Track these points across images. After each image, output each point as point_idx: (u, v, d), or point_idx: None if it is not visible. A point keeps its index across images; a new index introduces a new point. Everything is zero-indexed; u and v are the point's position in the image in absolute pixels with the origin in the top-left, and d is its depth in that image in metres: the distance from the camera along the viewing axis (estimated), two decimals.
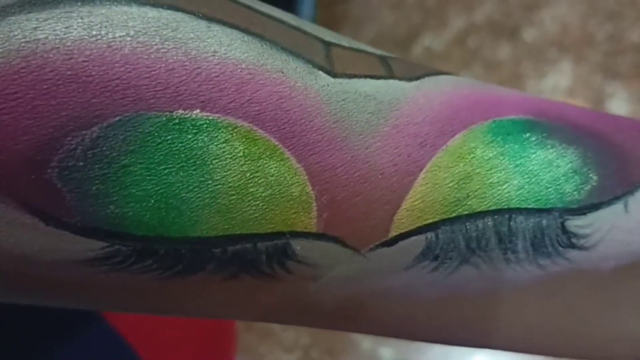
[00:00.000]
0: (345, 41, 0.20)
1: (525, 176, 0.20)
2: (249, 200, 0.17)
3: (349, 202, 0.18)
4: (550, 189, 0.21)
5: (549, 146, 0.21)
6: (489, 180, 0.20)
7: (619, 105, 1.00)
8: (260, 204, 0.17)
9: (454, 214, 0.20)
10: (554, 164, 0.21)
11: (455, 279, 0.21)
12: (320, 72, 0.18)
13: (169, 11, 0.17)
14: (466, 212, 0.20)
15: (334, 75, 0.19)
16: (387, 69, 0.20)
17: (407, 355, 0.95)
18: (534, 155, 0.21)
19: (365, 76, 0.19)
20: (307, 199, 0.18)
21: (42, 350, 0.34)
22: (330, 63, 0.19)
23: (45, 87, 0.15)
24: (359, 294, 0.21)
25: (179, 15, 0.17)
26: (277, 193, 0.17)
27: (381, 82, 0.19)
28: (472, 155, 0.20)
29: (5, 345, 0.32)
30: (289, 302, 0.20)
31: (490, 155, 0.20)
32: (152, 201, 0.16)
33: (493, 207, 0.20)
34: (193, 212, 0.17)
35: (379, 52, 0.21)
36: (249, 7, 0.19)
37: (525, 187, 0.20)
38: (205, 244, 0.17)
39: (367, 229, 0.19)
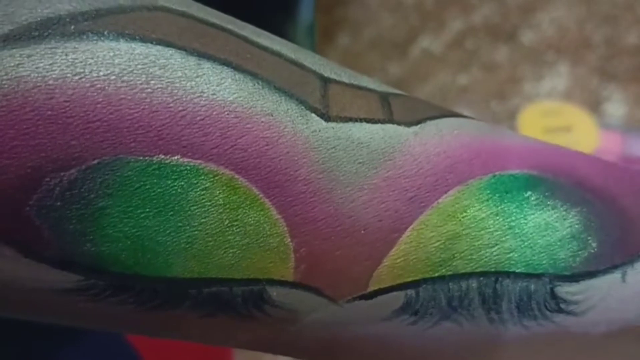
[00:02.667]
0: (345, 76, 0.19)
1: (519, 239, 0.19)
2: (226, 248, 0.17)
3: (329, 255, 0.18)
4: (542, 254, 0.20)
5: (549, 207, 0.20)
6: (478, 242, 0.19)
7: (615, 108, 1.01)
8: (237, 252, 0.17)
9: (437, 274, 0.19)
10: (552, 227, 0.20)
11: (435, 331, 0.20)
12: (313, 115, 0.18)
13: (158, 47, 0.16)
14: (450, 273, 0.19)
15: (327, 118, 0.18)
16: (386, 110, 0.19)
17: None
18: (531, 216, 0.20)
19: (361, 119, 0.18)
20: (285, 250, 0.18)
21: (43, 351, 0.34)
22: (325, 103, 0.18)
23: (25, 127, 0.15)
24: (337, 339, 0.20)
25: (168, 52, 0.16)
26: (254, 242, 0.17)
27: (377, 127, 0.19)
28: (464, 215, 0.19)
29: (6, 346, 0.32)
30: (268, 340, 0.20)
31: (484, 215, 0.19)
32: (129, 242, 0.16)
33: (479, 270, 0.19)
34: (169, 255, 0.16)
35: (381, 88, 0.20)
36: (245, 38, 0.18)
37: (517, 250, 0.19)
38: (181, 284, 0.17)
39: (345, 282, 0.19)
